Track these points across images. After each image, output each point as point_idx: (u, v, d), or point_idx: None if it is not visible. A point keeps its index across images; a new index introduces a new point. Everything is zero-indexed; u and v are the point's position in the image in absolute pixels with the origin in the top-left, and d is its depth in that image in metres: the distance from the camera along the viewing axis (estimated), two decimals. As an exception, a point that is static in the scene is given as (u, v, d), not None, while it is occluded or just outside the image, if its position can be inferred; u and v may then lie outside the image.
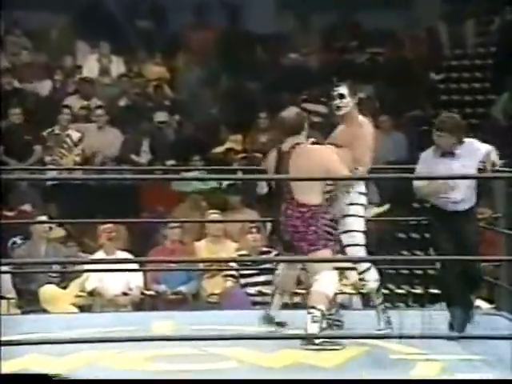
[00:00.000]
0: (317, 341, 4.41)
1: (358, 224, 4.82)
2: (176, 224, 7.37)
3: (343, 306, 5.42)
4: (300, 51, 10.61)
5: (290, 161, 4.62)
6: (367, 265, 4.83)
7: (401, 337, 4.50)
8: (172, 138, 9.56)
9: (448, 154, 4.85)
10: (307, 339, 4.42)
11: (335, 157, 4.62)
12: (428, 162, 4.87)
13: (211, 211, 7.34)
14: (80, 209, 7.80)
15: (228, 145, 9.05)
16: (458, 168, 4.77)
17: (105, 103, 9.69)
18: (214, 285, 7.04)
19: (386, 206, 8.55)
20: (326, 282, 4.55)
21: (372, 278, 4.84)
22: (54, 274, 6.86)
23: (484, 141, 6.52)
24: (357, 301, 6.98)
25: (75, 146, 8.91)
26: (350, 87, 4.89)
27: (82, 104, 9.58)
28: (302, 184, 4.57)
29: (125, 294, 6.96)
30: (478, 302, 6.28)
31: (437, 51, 10.47)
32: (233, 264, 6.84)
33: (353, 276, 7.06)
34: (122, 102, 9.87)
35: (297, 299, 6.90)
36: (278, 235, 4.77)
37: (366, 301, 7.02)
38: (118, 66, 10.21)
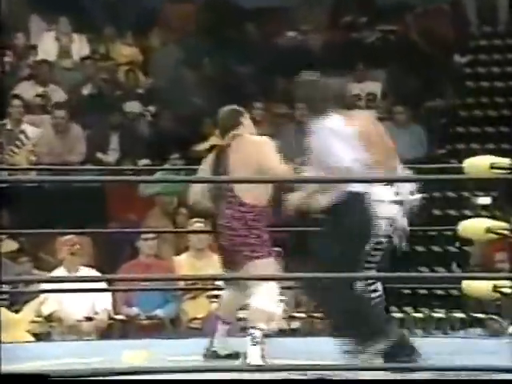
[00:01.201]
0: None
1: None
2: (151, 235, 7.41)
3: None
4: (299, 28, 10.67)
5: (228, 154, 4.83)
6: None
7: (418, 369, 4.54)
8: (146, 132, 9.59)
9: None
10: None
11: (272, 150, 4.81)
12: None
13: (194, 220, 7.36)
14: (35, 217, 7.83)
15: (213, 141, 9.09)
16: None
17: (65, 91, 9.73)
18: (197, 307, 7.07)
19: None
20: (265, 296, 4.66)
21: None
22: (4, 296, 6.89)
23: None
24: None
25: (30, 142, 8.94)
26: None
27: (38, 91, 9.61)
28: (244, 184, 4.78)
29: (89, 318, 6.99)
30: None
31: (462, 28, 10.53)
32: (219, 283, 6.87)
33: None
34: (86, 90, 9.90)
35: (296, 324, 6.95)
36: (217, 243, 4.90)
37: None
38: (80, 47, 10.25)
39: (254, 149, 4.79)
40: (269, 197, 4.80)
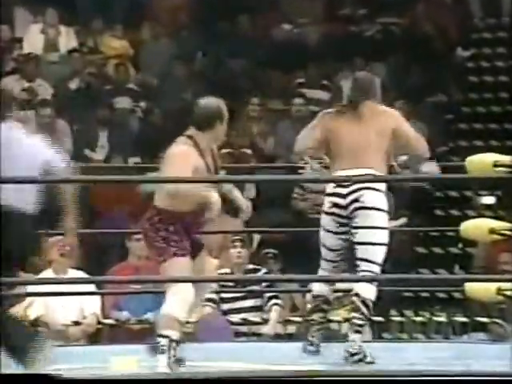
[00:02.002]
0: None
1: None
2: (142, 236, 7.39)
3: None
4: (295, 21, 10.67)
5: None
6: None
7: (420, 375, 4.55)
8: (136, 129, 9.60)
9: None
10: None
11: (178, 162, 4.76)
12: None
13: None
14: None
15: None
16: None
17: (51, 85, 9.73)
18: (189, 311, 7.06)
19: (403, 220, 8.61)
20: (176, 303, 4.67)
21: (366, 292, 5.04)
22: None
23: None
24: (365, 330, 7.03)
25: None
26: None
27: (23, 86, 9.61)
28: (159, 186, 4.86)
29: (76, 323, 6.98)
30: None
31: (465, 21, 10.55)
32: (212, 285, 6.87)
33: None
34: (74, 84, 9.90)
35: (292, 329, 6.96)
36: None
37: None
38: (67, 40, 10.25)
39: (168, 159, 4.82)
40: (189, 204, 4.74)
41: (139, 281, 5.81)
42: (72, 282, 5.95)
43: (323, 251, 5.16)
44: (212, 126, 4.80)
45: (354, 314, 5.06)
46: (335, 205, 5.07)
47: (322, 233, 5.14)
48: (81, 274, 6.97)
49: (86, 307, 7.05)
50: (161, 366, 4.59)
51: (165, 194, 4.75)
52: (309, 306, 5.26)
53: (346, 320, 6.33)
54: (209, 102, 4.89)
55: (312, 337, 5.16)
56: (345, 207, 5.06)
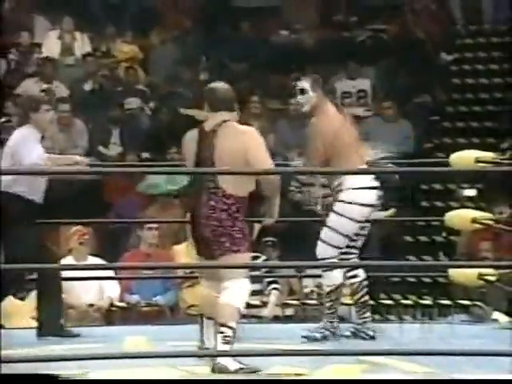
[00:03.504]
0: (231, 368, 4.33)
1: (341, 224, 5.01)
2: (153, 225, 7.42)
3: (342, 319, 5.47)
4: (292, 27, 10.66)
5: (214, 141, 4.52)
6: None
7: (407, 353, 4.56)
8: (146, 126, 9.60)
9: None
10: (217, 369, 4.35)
11: (261, 142, 4.57)
12: None
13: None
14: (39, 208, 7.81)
15: (201, 116, 9.08)
16: None
17: (67, 87, 9.72)
18: (195, 295, 7.08)
19: (392, 211, 8.61)
20: (235, 293, 4.45)
21: (329, 279, 5.04)
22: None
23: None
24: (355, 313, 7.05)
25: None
26: (313, 80, 5.05)
27: (42, 87, 9.60)
28: (228, 176, 4.48)
29: (91, 305, 6.99)
30: (496, 315, 6.37)
31: (448, 28, 10.54)
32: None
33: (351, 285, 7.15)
34: (88, 86, 9.89)
35: (289, 311, 6.97)
36: (193, 233, 4.58)
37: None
38: (82, 45, 10.24)
39: (241, 139, 4.50)
40: (251, 189, 4.54)
41: (151, 267, 5.78)
42: (89, 268, 5.93)
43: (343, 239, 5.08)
44: (233, 104, 4.63)
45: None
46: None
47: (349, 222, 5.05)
48: (99, 261, 6.98)
49: (105, 291, 7.06)
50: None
51: (242, 183, 4.46)
52: (328, 294, 5.11)
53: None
54: (221, 84, 4.69)
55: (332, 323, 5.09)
56: None
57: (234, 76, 10.10)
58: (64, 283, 6.61)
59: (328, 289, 5.07)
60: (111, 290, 7.06)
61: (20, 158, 5.16)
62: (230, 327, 4.40)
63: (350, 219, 5.04)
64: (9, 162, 5.24)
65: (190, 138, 4.65)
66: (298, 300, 7.17)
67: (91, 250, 7.31)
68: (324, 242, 5.04)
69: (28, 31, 10.24)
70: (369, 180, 5.10)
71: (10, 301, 6.73)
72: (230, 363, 4.35)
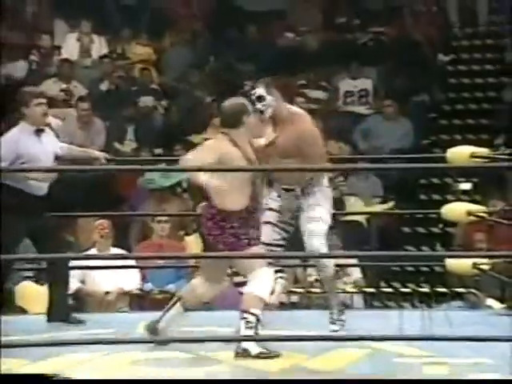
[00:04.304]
0: (252, 352, 4.36)
1: (319, 226, 4.86)
2: (164, 218, 7.42)
3: (344, 306, 5.46)
4: (297, 30, 10.65)
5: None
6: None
7: (406, 338, 4.56)
8: (159, 124, 9.60)
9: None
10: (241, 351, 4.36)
11: (203, 157, 4.50)
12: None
13: (203, 203, 7.37)
14: (55, 202, 7.83)
15: (212, 130, 9.09)
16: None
17: (85, 87, 9.73)
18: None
19: (391, 204, 8.60)
20: (259, 283, 4.47)
21: (327, 271, 4.91)
22: (31, 271, 6.89)
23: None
24: (358, 301, 7.05)
25: (56, 136, 8.92)
26: (266, 85, 4.86)
27: (61, 87, 9.61)
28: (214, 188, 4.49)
29: (107, 292, 6.99)
30: (489, 302, 6.36)
31: (445, 30, 10.51)
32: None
33: (354, 274, 7.15)
34: (104, 86, 9.90)
35: (294, 298, 6.97)
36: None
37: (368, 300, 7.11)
38: (99, 47, 10.23)
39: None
40: (243, 204, 4.50)
41: (164, 257, 5.78)
42: (113, 258, 5.92)
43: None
44: (241, 122, 4.56)
45: None
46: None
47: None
48: (120, 252, 6.96)
49: (127, 280, 7.04)
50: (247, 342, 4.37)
51: (216, 195, 4.47)
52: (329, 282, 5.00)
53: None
54: (233, 101, 4.63)
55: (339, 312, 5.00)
56: None
57: (240, 77, 10.11)
58: (83, 272, 6.65)
59: (329, 275, 4.92)
60: (130, 279, 7.05)
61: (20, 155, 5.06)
62: (253, 313, 4.42)
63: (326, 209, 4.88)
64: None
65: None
66: (302, 288, 7.17)
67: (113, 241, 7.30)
68: (316, 235, 4.84)
69: (48, 34, 10.24)
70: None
71: (29, 285, 6.74)
72: (252, 347, 4.38)
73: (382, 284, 7.52)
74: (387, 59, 10.13)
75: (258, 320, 4.44)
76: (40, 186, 5.16)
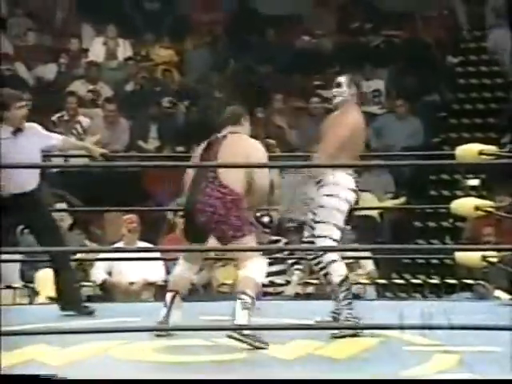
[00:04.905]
0: (244, 331, 4.33)
1: (333, 217, 4.73)
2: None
3: (358, 297, 5.42)
4: (313, 33, 10.61)
5: (219, 147, 4.60)
6: (333, 257, 4.74)
7: (416, 327, 4.53)
8: (181, 123, 9.59)
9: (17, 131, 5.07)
10: (235, 330, 4.34)
11: (260, 147, 4.60)
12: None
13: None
14: (84, 197, 7.84)
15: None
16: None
17: (111, 88, 9.74)
18: (226, 274, 7.07)
19: (402, 199, 8.56)
20: (255, 268, 4.47)
21: (336, 272, 4.76)
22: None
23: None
24: (371, 291, 7.01)
25: (85, 132, 8.98)
26: (350, 78, 4.90)
27: (89, 88, 9.63)
28: (227, 170, 4.53)
29: (132, 283, 6.99)
30: (497, 293, 6.31)
31: (454, 33, 10.45)
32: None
33: (368, 266, 7.11)
34: (129, 87, 9.90)
35: (310, 289, 6.94)
36: (188, 218, 4.59)
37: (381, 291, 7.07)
38: (124, 50, 10.24)
39: (245, 148, 4.55)
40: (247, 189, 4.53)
41: (186, 249, 5.71)
42: (138, 250, 5.90)
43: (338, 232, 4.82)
44: (240, 121, 4.71)
45: None
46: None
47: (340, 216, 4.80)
48: (147, 245, 6.94)
49: (153, 272, 7.03)
50: (241, 320, 4.37)
51: (242, 180, 4.51)
52: (340, 285, 4.78)
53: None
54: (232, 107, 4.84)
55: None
56: None
57: (259, 77, 10.09)
58: (109, 264, 6.64)
59: (339, 279, 4.75)
60: (155, 271, 7.04)
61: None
62: (249, 295, 4.42)
63: (338, 210, 4.76)
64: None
65: (200, 147, 4.74)
66: (317, 279, 7.13)
67: (140, 235, 7.29)
68: (325, 237, 4.70)
69: (76, 38, 10.26)
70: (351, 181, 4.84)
71: (46, 273, 6.74)
72: (244, 322, 4.36)
73: (394, 276, 7.48)
74: (398, 61, 10.08)
75: (253, 300, 4.42)
76: (21, 183, 5.05)
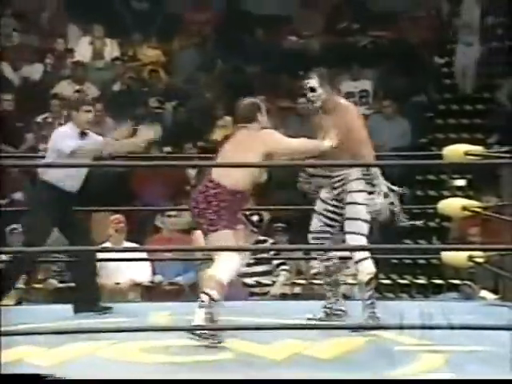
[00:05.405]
0: (198, 332, 4.35)
1: (361, 212, 4.81)
2: (173, 212, 7.41)
3: (345, 296, 5.44)
4: (301, 34, 10.62)
5: (228, 141, 4.63)
6: (364, 255, 4.81)
7: (404, 327, 4.54)
8: (168, 123, 9.58)
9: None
10: (191, 330, 4.36)
11: (278, 136, 4.60)
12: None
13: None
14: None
15: (219, 130, 9.08)
16: None
17: (98, 88, 9.72)
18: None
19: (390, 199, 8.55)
20: (222, 267, 4.44)
21: (365, 270, 4.82)
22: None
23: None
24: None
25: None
26: (320, 77, 4.88)
27: (75, 88, 9.60)
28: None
29: (117, 283, 6.98)
30: (483, 293, 6.34)
31: (440, 34, 10.49)
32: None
33: (354, 266, 7.13)
34: (116, 87, 9.89)
35: (297, 290, 6.96)
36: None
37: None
38: (111, 50, 10.22)
39: (248, 142, 4.53)
40: (248, 183, 4.52)
41: (172, 250, 5.76)
42: (125, 250, 5.92)
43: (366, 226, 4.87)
44: (255, 117, 4.63)
45: None
46: None
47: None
48: (133, 246, 6.95)
49: (139, 273, 7.03)
50: (198, 319, 4.39)
51: (229, 172, 4.49)
52: (368, 284, 4.84)
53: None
54: (248, 100, 4.74)
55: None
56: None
57: (247, 77, 10.09)
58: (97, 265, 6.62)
59: (367, 278, 4.80)
60: (142, 272, 7.04)
61: (57, 149, 5.25)
62: (209, 295, 4.40)
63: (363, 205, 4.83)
64: (50, 154, 5.29)
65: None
66: (305, 280, 7.15)
67: (127, 236, 7.29)
68: (354, 233, 4.78)
69: (62, 38, 10.23)
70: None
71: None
72: (200, 322, 4.36)
73: (381, 276, 7.50)
74: (386, 61, 10.11)
75: (212, 300, 4.40)
76: (72, 184, 5.32)
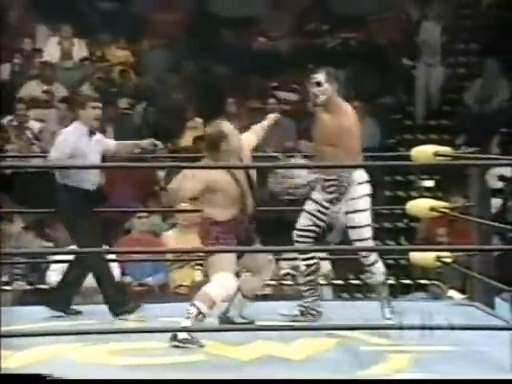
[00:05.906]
0: (180, 336, 4.39)
1: (364, 218, 4.90)
2: (144, 214, 7.39)
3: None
4: (269, 35, 10.65)
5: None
6: (374, 257, 4.93)
7: (372, 328, 4.58)
8: (137, 124, 9.56)
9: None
10: (173, 336, 4.40)
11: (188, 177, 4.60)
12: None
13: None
14: (38, 199, 7.77)
15: (190, 132, 9.07)
16: None
17: (66, 88, 9.67)
18: (183, 276, 7.07)
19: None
20: (216, 286, 4.52)
21: (379, 270, 4.95)
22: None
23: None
24: (328, 292, 7.06)
25: (36, 138, 8.87)
26: (327, 73, 4.90)
27: (43, 89, 9.55)
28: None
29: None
30: (451, 293, 6.40)
31: (409, 35, 10.56)
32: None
33: (324, 267, 7.16)
34: (85, 87, 9.83)
35: (267, 290, 6.97)
36: None
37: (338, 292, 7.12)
38: (80, 50, 10.18)
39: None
40: (228, 216, 4.60)
41: (142, 251, 5.76)
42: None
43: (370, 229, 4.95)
44: (219, 147, 4.65)
45: None
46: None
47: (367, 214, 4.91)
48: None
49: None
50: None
51: (205, 205, 4.60)
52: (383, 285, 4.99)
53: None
54: (212, 127, 4.78)
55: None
56: None
57: (216, 78, 10.09)
58: (65, 267, 6.59)
59: (383, 278, 4.93)
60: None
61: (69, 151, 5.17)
62: (198, 308, 4.46)
63: (366, 210, 4.90)
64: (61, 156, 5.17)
65: None
66: (275, 281, 7.16)
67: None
68: (362, 240, 4.87)
69: (30, 38, 10.17)
70: (364, 174, 4.96)
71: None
72: (182, 334, 4.40)
73: (350, 276, 7.54)
74: (354, 63, 10.16)
75: (200, 314, 4.45)
76: (92, 182, 5.23)
